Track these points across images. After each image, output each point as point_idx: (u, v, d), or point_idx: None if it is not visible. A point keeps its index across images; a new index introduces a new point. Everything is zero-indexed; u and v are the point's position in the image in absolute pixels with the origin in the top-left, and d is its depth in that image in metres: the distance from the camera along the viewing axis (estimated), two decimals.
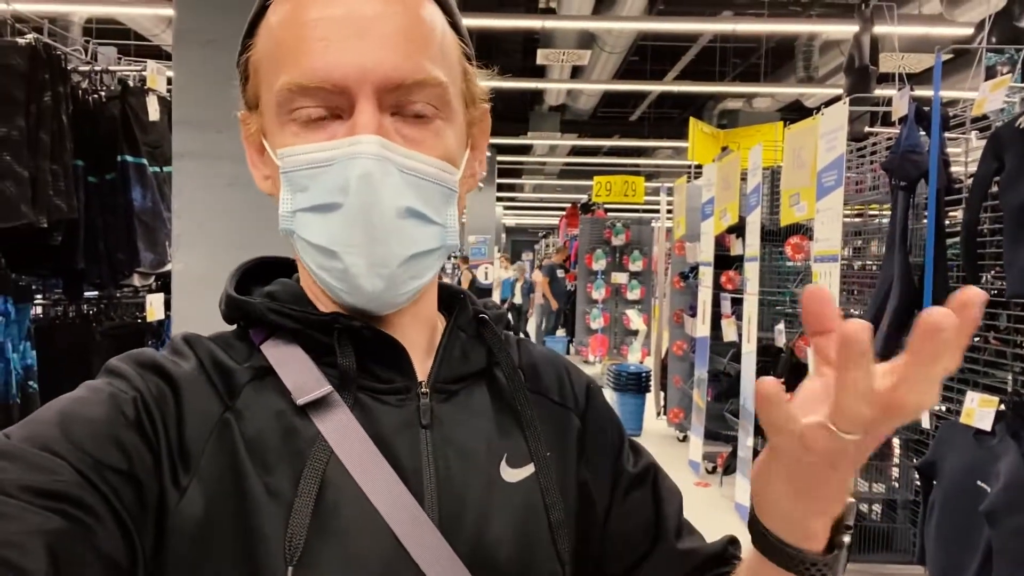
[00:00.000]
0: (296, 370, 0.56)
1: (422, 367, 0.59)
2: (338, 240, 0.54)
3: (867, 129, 3.43)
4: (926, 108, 2.89)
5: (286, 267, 0.65)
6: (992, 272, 2.83)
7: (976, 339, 2.97)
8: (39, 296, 2.52)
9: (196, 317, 1.57)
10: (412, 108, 0.55)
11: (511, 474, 0.60)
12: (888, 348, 2.88)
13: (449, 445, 0.58)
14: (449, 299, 0.66)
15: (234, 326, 0.61)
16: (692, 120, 6.84)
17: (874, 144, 3.68)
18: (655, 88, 10.36)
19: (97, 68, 2.39)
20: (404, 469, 0.55)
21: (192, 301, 1.56)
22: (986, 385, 2.73)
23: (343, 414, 0.54)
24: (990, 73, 3.58)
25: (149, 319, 2.47)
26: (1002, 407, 2.29)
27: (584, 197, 15.45)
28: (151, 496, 0.49)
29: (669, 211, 7.08)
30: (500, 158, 13.78)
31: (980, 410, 2.31)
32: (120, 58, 2.64)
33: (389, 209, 0.53)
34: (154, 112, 2.39)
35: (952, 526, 2.35)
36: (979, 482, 2.26)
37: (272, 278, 0.63)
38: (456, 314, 0.63)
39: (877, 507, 3.90)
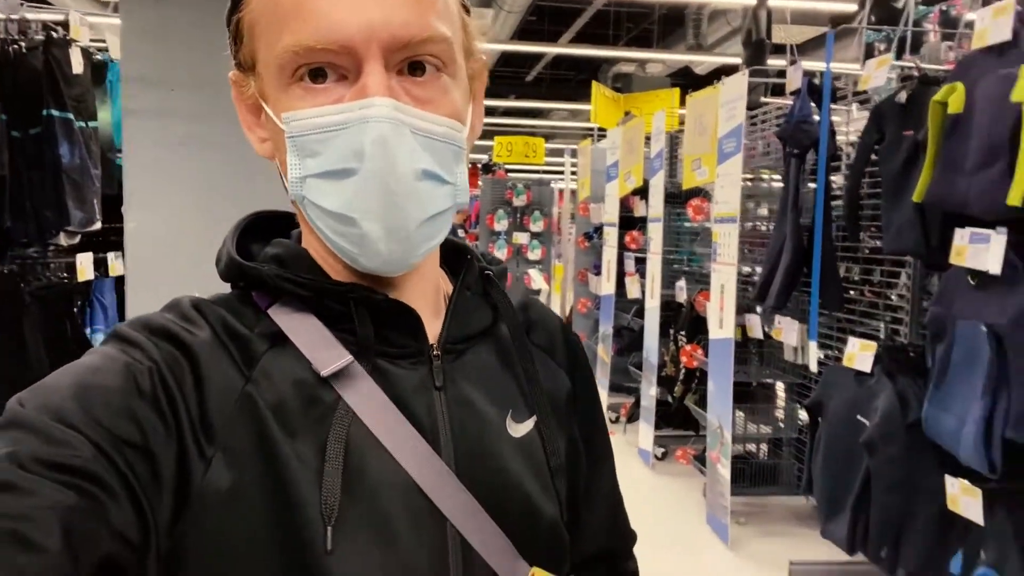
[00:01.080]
0: (312, 339, 0.56)
1: (431, 328, 0.60)
2: (355, 206, 0.52)
3: (761, 99, 3.70)
4: (816, 81, 3.17)
5: (282, 220, 0.64)
6: (869, 232, 3.17)
7: (853, 292, 3.34)
8: None
9: (150, 275, 1.58)
10: (419, 66, 0.54)
11: (516, 429, 0.62)
12: (780, 302, 3.19)
13: (461, 404, 0.59)
14: (451, 254, 0.67)
15: (228, 284, 0.60)
16: (595, 84, 7.04)
17: (764, 113, 3.97)
18: (550, 50, 10.49)
19: (14, 17, 2.25)
20: (423, 428, 0.56)
21: (146, 259, 1.56)
22: (862, 332, 3.09)
23: (364, 380, 0.55)
24: (869, 50, 3.92)
25: (80, 279, 2.39)
26: (878, 351, 2.61)
27: (483, 157, 15.49)
28: (166, 470, 0.48)
29: (573, 173, 7.28)
30: None
31: (860, 354, 2.63)
32: (23, 3, 2.49)
33: (406, 173, 0.52)
34: (78, 65, 2.28)
35: (836, 457, 2.68)
36: (859, 417, 2.58)
37: (269, 233, 0.62)
38: (464, 274, 0.64)
39: (764, 446, 4.31)
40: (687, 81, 11.15)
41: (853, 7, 4.61)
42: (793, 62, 3.39)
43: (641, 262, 5.04)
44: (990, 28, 2.13)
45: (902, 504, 2.41)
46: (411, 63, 0.53)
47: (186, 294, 0.58)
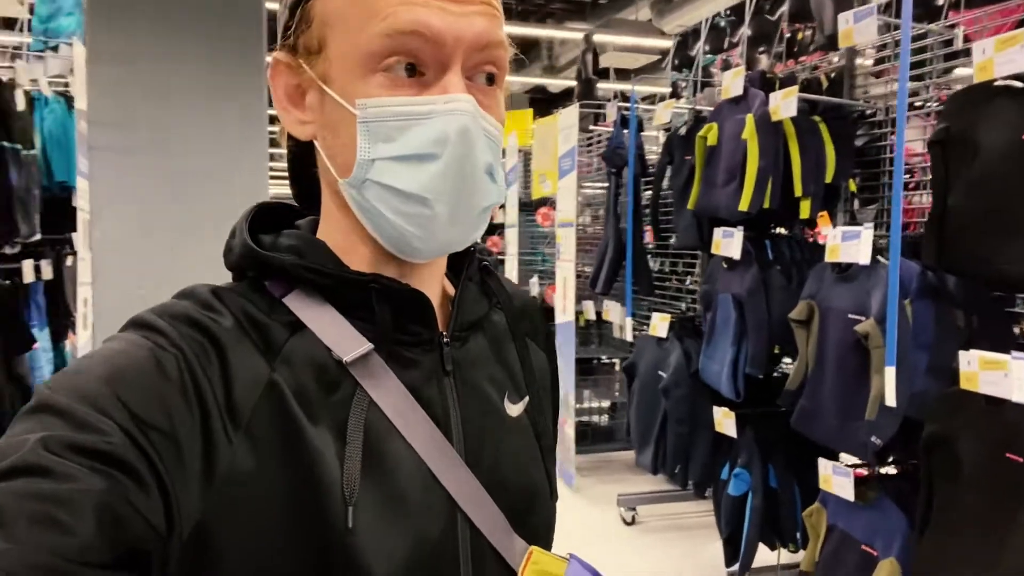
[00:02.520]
0: (330, 327, 0.57)
1: (438, 317, 0.63)
2: (432, 189, 0.55)
3: (591, 127, 4.53)
4: (627, 114, 4.00)
5: (284, 213, 0.67)
6: (670, 233, 4.03)
7: (667, 282, 4.20)
8: None
9: (118, 276, 2.08)
10: (484, 72, 0.58)
11: (512, 409, 0.66)
12: (605, 289, 4.00)
13: (468, 389, 0.62)
14: None
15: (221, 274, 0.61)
16: None
17: (599, 136, 4.81)
18: None
19: None
20: (435, 414, 0.59)
21: (112, 261, 2.06)
22: (671, 310, 3.94)
23: (380, 367, 0.57)
24: (675, 87, 4.86)
25: (26, 280, 2.80)
26: (671, 321, 3.45)
27: None
28: (192, 456, 0.49)
29: None
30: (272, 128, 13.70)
31: (660, 324, 3.45)
32: None
33: (479, 164, 0.57)
34: (21, 103, 2.69)
35: (645, 403, 3.49)
36: (660, 371, 3.40)
37: (271, 224, 0.64)
38: (467, 266, 0.67)
39: (605, 415, 5.14)
40: (544, 96, 12.14)
41: (669, 43, 5.57)
42: (615, 95, 4.23)
43: (501, 263, 5.77)
44: (730, 85, 2.99)
45: (688, 433, 3.24)
46: (481, 68, 0.58)
47: (201, 283, 0.59)
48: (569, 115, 4.40)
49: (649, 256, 4.11)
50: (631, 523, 3.89)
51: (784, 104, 2.69)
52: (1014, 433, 1.89)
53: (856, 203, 3.02)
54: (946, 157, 2.11)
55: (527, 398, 0.68)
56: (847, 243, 2.40)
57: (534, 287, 5.25)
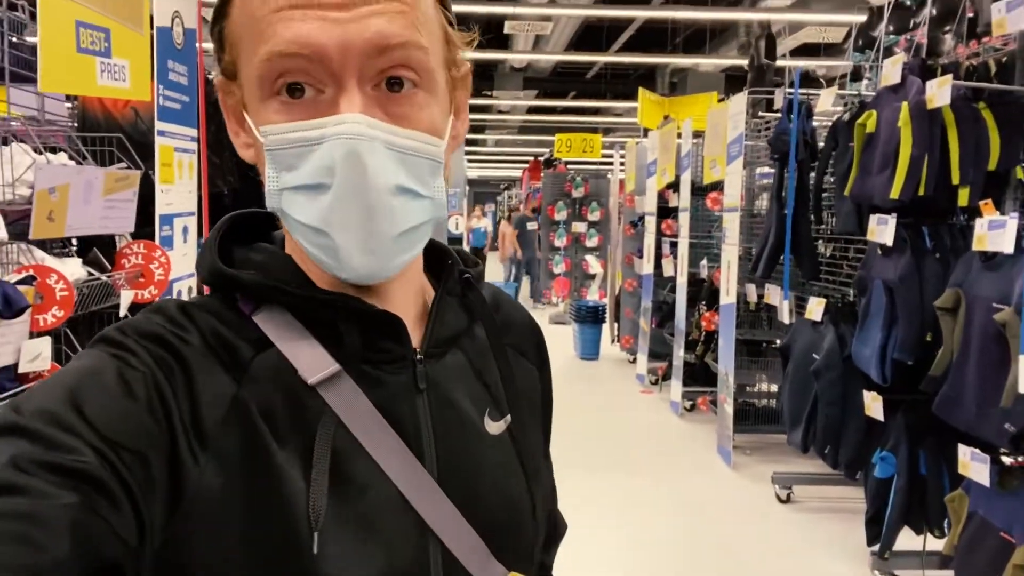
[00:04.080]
0: (297, 345, 0.56)
1: (413, 332, 0.61)
2: (328, 220, 0.53)
3: (761, 113, 4.59)
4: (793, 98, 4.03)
5: (261, 222, 0.65)
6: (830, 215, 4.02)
7: (839, 268, 4.19)
8: None
9: None
10: (395, 78, 0.54)
11: (492, 427, 0.64)
12: (765, 272, 4.10)
13: (443, 406, 0.61)
14: (434, 258, 0.68)
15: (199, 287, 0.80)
16: (641, 90, 7.94)
17: (768, 123, 4.84)
18: (602, 59, 11.35)
19: None
20: (407, 434, 0.57)
21: None
22: (836, 296, 3.96)
23: (349, 387, 0.56)
24: (856, 70, 4.76)
25: None
26: (827, 305, 3.51)
27: (544, 151, 16.41)
28: (159, 474, 0.49)
29: (622, 166, 8.18)
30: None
31: (816, 308, 3.53)
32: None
33: (379, 188, 0.53)
34: None
35: (797, 383, 3.59)
36: (813, 354, 3.49)
37: (248, 235, 0.62)
38: (444, 280, 0.65)
39: (772, 399, 5.18)
40: (740, 74, 11.87)
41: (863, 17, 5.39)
42: (791, 84, 4.27)
43: (675, 246, 5.95)
44: (889, 73, 3.01)
45: (839, 415, 3.32)
46: (389, 79, 0.54)
47: (171, 298, 0.58)
48: (739, 102, 4.50)
49: (820, 241, 4.13)
50: (785, 501, 3.99)
51: (940, 92, 2.69)
52: None
53: None
54: None
55: (508, 416, 0.66)
56: (993, 232, 2.41)
57: (703, 270, 5.39)
